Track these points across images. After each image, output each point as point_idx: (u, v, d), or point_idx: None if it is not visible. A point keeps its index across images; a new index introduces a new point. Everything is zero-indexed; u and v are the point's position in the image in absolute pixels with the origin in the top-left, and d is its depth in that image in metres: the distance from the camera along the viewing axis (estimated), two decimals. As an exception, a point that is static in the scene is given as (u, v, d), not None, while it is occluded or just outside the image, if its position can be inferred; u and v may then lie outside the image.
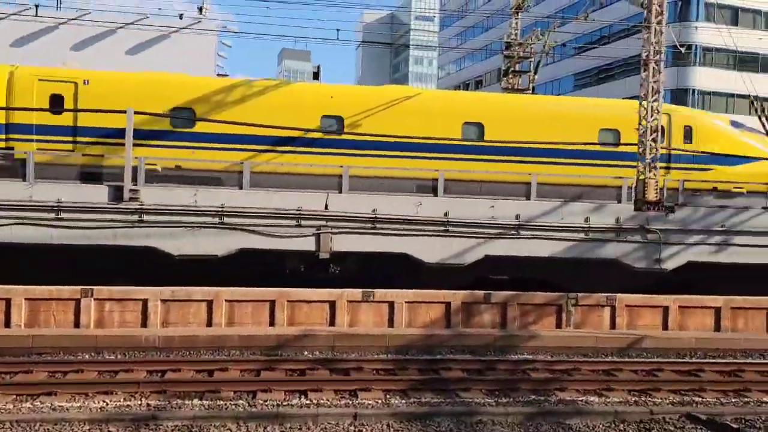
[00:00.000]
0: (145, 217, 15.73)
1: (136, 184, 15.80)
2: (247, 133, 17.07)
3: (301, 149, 17.51)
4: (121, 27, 28.20)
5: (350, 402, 10.44)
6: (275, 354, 13.23)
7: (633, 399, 11.18)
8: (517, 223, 17.13)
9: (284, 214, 16.29)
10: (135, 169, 15.89)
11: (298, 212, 16.29)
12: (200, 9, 31.49)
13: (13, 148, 16.51)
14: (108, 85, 17.13)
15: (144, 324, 14.10)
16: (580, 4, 18.72)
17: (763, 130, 18.14)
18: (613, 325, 15.81)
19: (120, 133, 15.96)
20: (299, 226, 16.33)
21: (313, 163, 17.21)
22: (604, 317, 15.90)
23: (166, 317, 14.26)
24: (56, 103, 16.84)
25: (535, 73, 24.90)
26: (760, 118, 17.50)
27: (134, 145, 15.94)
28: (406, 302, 15.14)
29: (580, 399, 11.04)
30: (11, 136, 16.64)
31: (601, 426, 9.93)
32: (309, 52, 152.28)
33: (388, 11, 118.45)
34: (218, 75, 28.22)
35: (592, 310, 15.94)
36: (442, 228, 16.93)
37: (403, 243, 16.77)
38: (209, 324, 14.34)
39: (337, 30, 63.32)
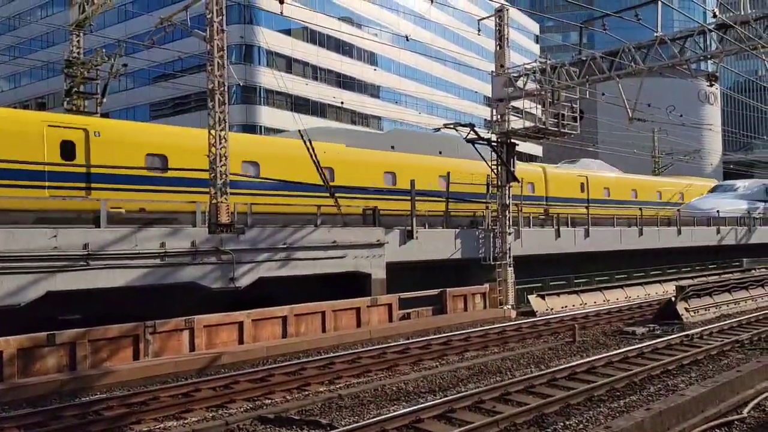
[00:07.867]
0: None
1: None
2: None
3: None
4: None
5: None
6: None
7: (211, 415, 11.45)
8: (86, 252, 15.74)
9: None
10: None
11: None
12: None
13: None
14: None
15: None
16: (155, 32, 18.46)
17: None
18: (192, 348, 15.96)
19: None
20: None
21: None
22: (183, 341, 15.92)
23: None
24: None
25: (103, 96, 23.47)
26: (308, 149, 20.44)
27: None
28: (-67, 361, 12.13)
29: (158, 426, 10.74)
30: None
31: (178, 448, 9.81)
32: None
33: None
34: None
35: (172, 335, 15.79)
36: (-12, 264, 14.27)
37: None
38: None
39: None
